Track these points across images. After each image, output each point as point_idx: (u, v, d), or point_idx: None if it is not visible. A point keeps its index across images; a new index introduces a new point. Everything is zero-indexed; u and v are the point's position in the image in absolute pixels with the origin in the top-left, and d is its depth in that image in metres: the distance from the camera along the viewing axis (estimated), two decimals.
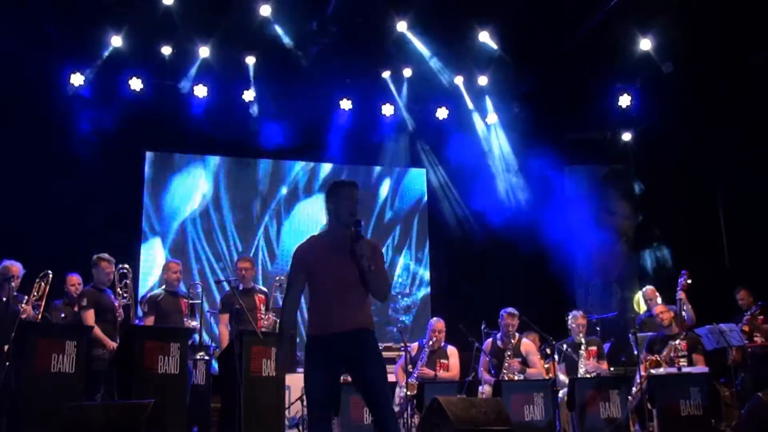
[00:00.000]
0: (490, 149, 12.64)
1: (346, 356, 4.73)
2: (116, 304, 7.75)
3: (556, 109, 12.18)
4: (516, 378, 8.32)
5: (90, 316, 7.48)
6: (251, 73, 11.36)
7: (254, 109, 11.56)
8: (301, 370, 9.29)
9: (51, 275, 7.53)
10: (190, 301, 8.17)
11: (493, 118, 12.51)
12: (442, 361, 8.63)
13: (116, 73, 10.90)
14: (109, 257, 7.77)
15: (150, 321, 7.80)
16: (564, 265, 12.18)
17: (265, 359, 7.15)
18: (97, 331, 7.38)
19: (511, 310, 8.64)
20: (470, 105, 12.43)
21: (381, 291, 4.89)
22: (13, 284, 7.19)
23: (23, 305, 7.29)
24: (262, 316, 8.10)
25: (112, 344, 7.38)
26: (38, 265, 7.72)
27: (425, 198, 12.99)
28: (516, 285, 11.88)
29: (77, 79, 10.72)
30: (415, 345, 8.93)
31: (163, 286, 8.20)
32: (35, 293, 7.40)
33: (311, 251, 4.89)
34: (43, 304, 7.40)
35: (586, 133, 12.81)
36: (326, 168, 12.62)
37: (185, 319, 8.02)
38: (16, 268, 7.34)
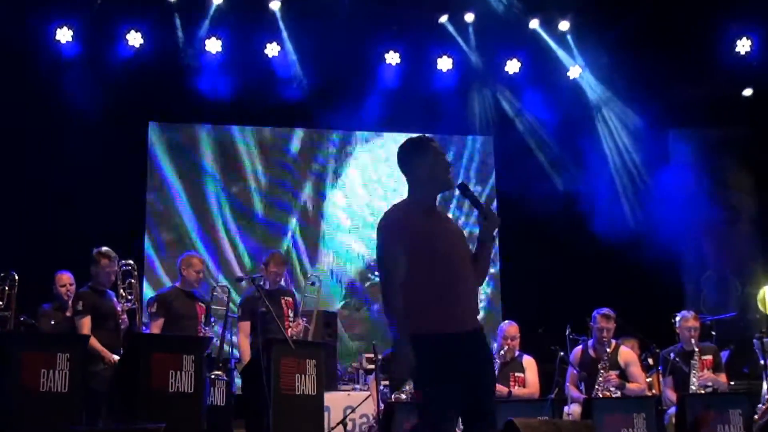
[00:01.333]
0: (574, 110, 12.50)
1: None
2: (119, 309, 7.79)
3: (657, 59, 11.98)
4: (612, 395, 8.23)
5: (86, 324, 7.52)
6: (277, 23, 11.37)
7: (280, 67, 11.56)
8: (344, 386, 9.37)
9: (16, 277, 7.49)
10: (211, 305, 8.17)
11: (577, 70, 12.37)
12: (517, 374, 8.58)
13: (111, 26, 10.97)
14: (111, 252, 7.79)
15: (158, 325, 7.81)
16: (669, 255, 11.99)
17: (299, 374, 7.20)
18: (95, 341, 7.43)
19: (606, 311, 8.55)
20: (551, 54, 12.30)
21: (486, 271, 4.80)
22: None
23: None
24: (291, 323, 8.13)
25: (113, 357, 7.43)
26: (21, 262, 7.78)
27: (493, 173, 12.91)
28: (609, 280, 11.75)
29: (64, 35, 10.81)
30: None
31: (177, 284, 8.21)
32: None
33: (415, 220, 4.63)
34: (12, 313, 7.38)
35: (696, 89, 12.59)
36: (369, 137, 12.62)
37: (201, 327, 8.05)
38: None
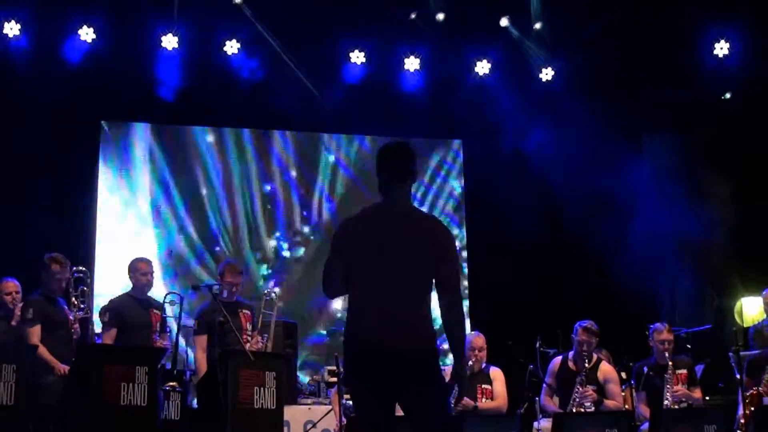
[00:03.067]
0: (545, 113, 12.58)
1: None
2: (71, 318, 7.75)
3: (632, 61, 12.12)
4: (587, 411, 8.30)
5: (35, 333, 7.49)
6: (240, 17, 11.37)
7: (238, 66, 11.60)
8: (304, 400, 9.41)
9: None
10: (163, 315, 8.17)
11: (549, 72, 12.47)
12: (484, 386, 8.61)
13: (62, 19, 10.94)
14: (62, 258, 7.78)
15: (111, 335, 7.80)
16: (643, 264, 12.12)
17: (258, 386, 7.20)
18: (43, 350, 7.40)
19: (587, 323, 8.58)
20: (523, 55, 12.41)
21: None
22: None
23: None
24: (249, 338, 8.12)
25: (63, 368, 7.40)
26: None
27: (462, 178, 12.99)
28: (581, 290, 11.85)
29: (12, 28, 10.77)
30: (448, 369, 8.91)
31: (129, 292, 8.20)
32: None
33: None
34: None
35: (671, 91, 12.74)
36: (329, 141, 12.71)
37: (155, 336, 8.04)
38: None
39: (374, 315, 4.71)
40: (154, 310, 8.13)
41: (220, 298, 7.92)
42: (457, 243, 12.53)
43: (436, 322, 4.89)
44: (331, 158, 12.70)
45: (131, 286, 8.20)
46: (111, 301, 8.22)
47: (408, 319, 4.75)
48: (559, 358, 8.79)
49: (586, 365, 8.48)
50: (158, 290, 9.16)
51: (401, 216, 4.93)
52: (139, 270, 8.16)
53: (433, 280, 4.84)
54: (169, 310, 8.66)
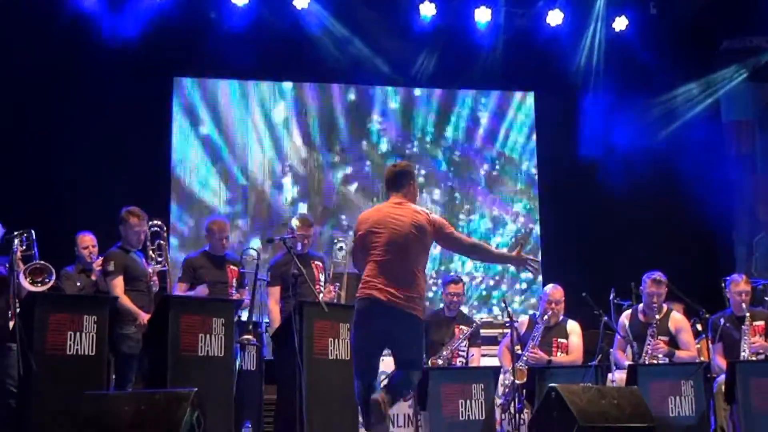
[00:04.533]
0: (620, 64, 12.42)
1: None
2: (149, 271, 7.85)
3: (709, 9, 11.88)
4: (660, 362, 8.25)
5: (119, 285, 7.58)
6: None
7: (307, 20, 11.62)
8: None
9: (32, 234, 7.45)
10: (241, 270, 8.22)
11: (622, 22, 12.28)
12: (560, 340, 8.61)
13: None
14: (140, 211, 7.82)
15: (181, 290, 7.92)
16: (719, 216, 11.98)
17: (332, 338, 7.26)
18: (126, 300, 7.49)
19: (656, 275, 8.52)
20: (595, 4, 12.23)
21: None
22: None
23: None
24: (322, 289, 8.15)
25: (145, 316, 7.50)
26: (39, 222, 7.82)
27: (534, 131, 12.89)
28: (655, 243, 11.75)
29: None
30: (525, 319, 8.93)
31: (206, 249, 8.29)
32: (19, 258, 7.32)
33: None
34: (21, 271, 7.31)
35: (750, 40, 12.49)
36: (403, 93, 12.66)
37: (232, 292, 8.13)
38: None
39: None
40: (231, 266, 8.19)
41: (293, 249, 7.93)
42: (531, 198, 12.62)
43: None
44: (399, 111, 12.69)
45: (209, 244, 8.28)
46: (186, 258, 8.35)
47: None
48: (629, 311, 8.75)
49: (657, 316, 8.43)
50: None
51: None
52: (217, 231, 8.22)
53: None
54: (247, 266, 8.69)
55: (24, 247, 7.28)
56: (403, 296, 5.98)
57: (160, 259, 7.97)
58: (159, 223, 8.11)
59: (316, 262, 8.30)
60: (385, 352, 6.32)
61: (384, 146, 12.55)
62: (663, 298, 8.54)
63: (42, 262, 7.21)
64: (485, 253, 6.58)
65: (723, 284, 8.90)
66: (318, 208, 12.13)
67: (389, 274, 6.01)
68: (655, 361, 8.25)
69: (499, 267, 12.22)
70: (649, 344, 8.35)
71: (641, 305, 8.63)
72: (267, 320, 8.39)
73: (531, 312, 9.20)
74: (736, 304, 8.67)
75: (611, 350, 8.66)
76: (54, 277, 7.17)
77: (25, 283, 7.09)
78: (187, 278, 8.02)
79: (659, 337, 8.38)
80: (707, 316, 8.43)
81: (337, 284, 8.32)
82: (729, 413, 7.94)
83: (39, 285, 7.09)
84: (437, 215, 6.40)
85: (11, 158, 10.42)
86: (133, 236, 7.76)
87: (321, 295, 7.90)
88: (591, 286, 8.89)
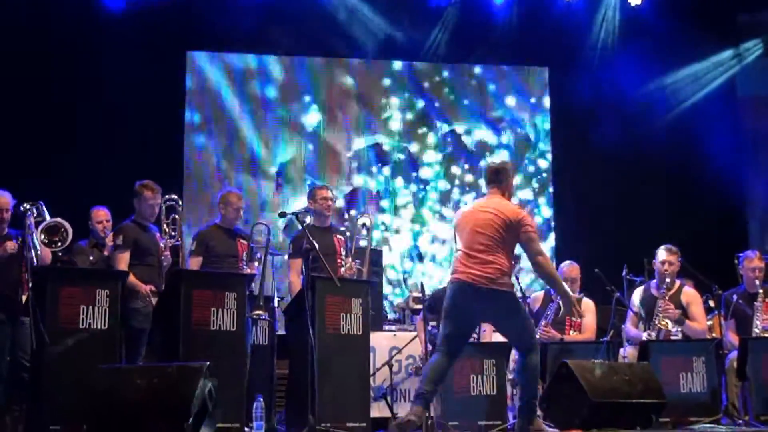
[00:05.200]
0: (636, 38, 12.34)
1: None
2: (161, 245, 7.84)
3: None
4: (671, 328, 8.24)
5: (123, 259, 7.55)
6: None
7: None
8: (388, 327, 9.48)
9: (42, 206, 7.38)
10: (251, 244, 8.19)
11: None
12: (573, 318, 8.60)
13: None
14: (154, 185, 7.75)
15: (195, 263, 7.88)
16: (732, 192, 11.95)
17: (345, 313, 7.26)
18: (131, 277, 7.52)
19: (669, 246, 8.51)
20: None
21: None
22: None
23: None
24: (342, 263, 8.11)
25: (145, 288, 7.51)
26: (52, 196, 7.83)
27: (547, 106, 12.86)
28: (668, 219, 11.73)
29: None
30: (540, 294, 8.92)
31: (217, 221, 8.26)
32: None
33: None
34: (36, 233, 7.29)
35: (765, 13, 12.40)
36: (420, 68, 12.68)
37: (243, 265, 8.11)
38: (5, 199, 7.36)
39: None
40: (241, 240, 8.13)
41: (312, 224, 7.89)
42: (545, 172, 12.61)
43: None
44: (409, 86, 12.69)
45: (220, 216, 8.22)
46: (198, 231, 8.30)
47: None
48: (642, 287, 8.74)
49: (669, 291, 8.43)
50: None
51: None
52: (231, 204, 8.14)
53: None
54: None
55: (36, 216, 7.29)
56: (485, 275, 6.50)
57: (173, 234, 7.92)
58: (174, 197, 8.04)
59: (338, 236, 8.26)
60: None
61: (396, 124, 12.53)
62: (676, 269, 8.52)
63: (57, 219, 7.23)
64: (547, 276, 6.83)
65: (736, 261, 8.85)
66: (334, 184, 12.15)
67: (471, 257, 6.59)
68: (665, 324, 8.25)
69: None
70: (659, 307, 8.35)
71: (654, 281, 8.61)
72: (279, 296, 8.37)
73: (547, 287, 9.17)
74: (749, 280, 8.65)
75: (623, 326, 8.67)
76: (71, 234, 7.18)
77: (42, 247, 7.13)
78: (199, 251, 7.99)
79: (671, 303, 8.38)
80: (720, 292, 8.42)
81: (358, 260, 8.29)
82: (740, 389, 7.94)
83: (57, 245, 7.11)
84: (531, 218, 6.93)
85: (23, 132, 10.44)
86: (147, 209, 7.72)
87: (343, 269, 7.90)
88: (603, 262, 8.90)
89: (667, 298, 8.37)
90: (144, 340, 7.44)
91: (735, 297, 8.59)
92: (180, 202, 8.07)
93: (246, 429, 6.80)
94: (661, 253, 8.50)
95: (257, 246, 8.21)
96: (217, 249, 7.98)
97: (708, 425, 7.41)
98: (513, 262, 6.76)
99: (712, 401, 7.68)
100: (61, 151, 10.63)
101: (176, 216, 7.97)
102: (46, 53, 10.64)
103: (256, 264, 8.22)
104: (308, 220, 7.91)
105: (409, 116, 12.58)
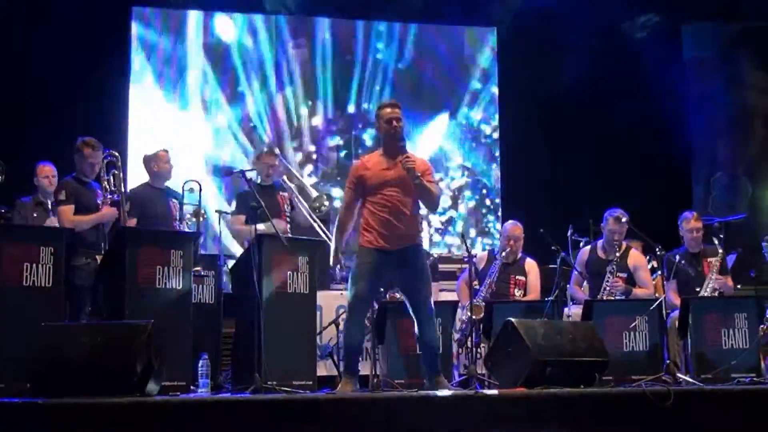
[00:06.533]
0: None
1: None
2: (99, 201, 7.74)
3: None
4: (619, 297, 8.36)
5: (68, 212, 7.47)
6: None
7: None
8: (335, 286, 9.49)
9: None
10: (180, 202, 8.11)
11: None
12: (517, 277, 8.70)
13: None
14: (95, 141, 7.69)
15: (132, 223, 7.81)
16: (676, 154, 12.07)
17: (292, 271, 7.26)
18: (79, 218, 7.43)
19: (618, 212, 8.59)
20: None
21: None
22: None
23: None
24: (288, 220, 8.16)
25: (107, 212, 7.50)
26: None
27: (495, 67, 12.87)
28: (614, 180, 11.82)
29: None
30: (484, 254, 8.99)
31: (148, 181, 8.22)
32: None
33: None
34: None
35: None
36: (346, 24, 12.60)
37: (176, 225, 8.07)
38: None
39: None
40: (173, 200, 8.13)
41: (255, 182, 7.89)
42: (492, 131, 12.64)
43: None
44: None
45: (151, 175, 8.19)
46: (131, 190, 8.18)
47: None
48: (588, 247, 8.84)
49: (617, 254, 8.51)
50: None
51: None
52: (161, 159, 8.14)
53: None
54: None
55: None
56: None
57: (113, 189, 7.80)
58: (115, 153, 7.93)
59: (282, 193, 8.29)
60: None
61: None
62: (623, 236, 8.63)
63: None
64: None
65: (678, 221, 8.98)
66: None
67: None
68: (611, 298, 8.37)
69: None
70: (607, 281, 8.45)
71: (600, 242, 8.71)
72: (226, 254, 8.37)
73: (489, 248, 9.25)
74: (689, 241, 8.80)
75: (568, 285, 8.76)
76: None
77: None
78: (135, 212, 7.92)
79: (618, 275, 8.48)
80: (663, 253, 8.53)
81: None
82: (681, 347, 8.07)
83: None
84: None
85: None
86: (87, 166, 7.64)
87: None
88: (550, 222, 8.97)
89: (614, 268, 8.45)
90: (87, 298, 7.37)
91: (678, 257, 8.71)
92: (119, 158, 7.91)
93: (192, 387, 6.79)
94: (610, 222, 8.59)
95: (189, 204, 8.14)
96: (151, 208, 7.97)
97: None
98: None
99: (653, 359, 7.77)
100: (6, 106, 10.44)
101: (116, 171, 7.84)
102: None
103: (184, 223, 8.16)
104: (253, 177, 7.91)
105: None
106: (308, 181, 10.51)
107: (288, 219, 8.12)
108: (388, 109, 6.75)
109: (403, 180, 6.62)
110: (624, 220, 8.55)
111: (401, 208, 6.64)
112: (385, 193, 6.64)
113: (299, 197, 8.43)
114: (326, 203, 8.42)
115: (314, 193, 8.67)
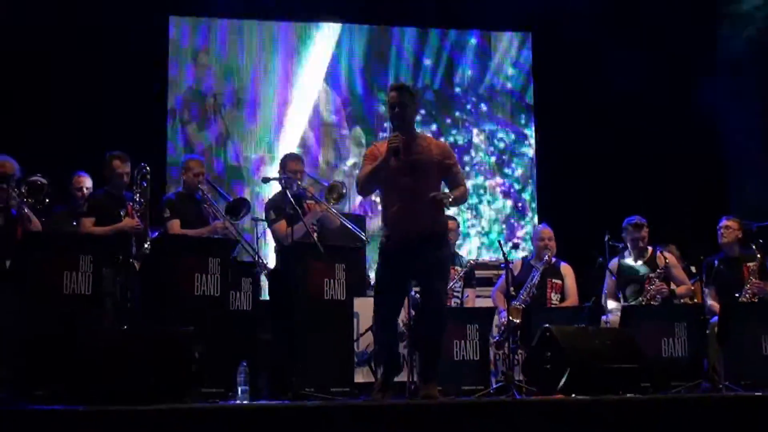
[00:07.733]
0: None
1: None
2: (123, 213, 7.76)
3: None
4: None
5: (87, 224, 7.63)
6: None
7: None
8: (371, 293, 9.44)
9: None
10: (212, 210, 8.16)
11: None
12: (554, 281, 8.64)
13: None
14: (122, 154, 7.83)
15: (176, 225, 7.91)
16: (711, 156, 11.95)
17: (328, 279, 7.26)
18: (99, 229, 7.57)
19: (635, 219, 8.60)
20: None
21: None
22: (6, 186, 7.22)
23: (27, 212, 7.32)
24: (316, 229, 8.13)
25: (132, 222, 7.61)
26: (38, 165, 7.80)
27: (530, 74, 12.82)
28: (647, 184, 11.72)
29: None
30: (518, 262, 8.95)
31: (180, 190, 8.34)
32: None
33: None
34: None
35: None
36: (399, 34, 12.60)
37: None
38: (10, 164, 7.37)
39: None
40: (205, 205, 8.21)
41: (290, 188, 7.87)
42: (528, 138, 12.60)
43: None
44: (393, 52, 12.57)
45: (182, 184, 8.32)
46: (165, 198, 8.29)
47: None
48: (616, 258, 8.78)
49: (645, 257, 8.54)
50: None
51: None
52: (191, 169, 8.22)
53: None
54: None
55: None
56: None
57: (142, 201, 7.84)
58: (144, 165, 7.98)
59: (309, 202, 8.27)
60: None
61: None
62: (646, 240, 8.62)
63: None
64: None
65: (717, 227, 8.90)
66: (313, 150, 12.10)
67: None
68: (651, 303, 8.31)
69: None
70: (651, 286, 8.39)
71: (627, 252, 8.73)
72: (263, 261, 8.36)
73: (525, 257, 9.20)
74: (728, 245, 8.71)
75: (603, 293, 8.71)
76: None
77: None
78: (175, 216, 7.99)
79: (660, 282, 8.43)
80: (701, 258, 8.46)
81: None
82: (721, 354, 7.99)
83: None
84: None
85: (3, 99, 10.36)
86: (116, 178, 7.80)
87: (315, 235, 7.90)
88: (587, 228, 8.92)
89: (654, 277, 8.40)
90: (112, 304, 7.36)
91: (716, 262, 8.64)
92: (147, 168, 7.96)
93: (230, 394, 6.80)
94: (630, 230, 8.65)
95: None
96: (186, 215, 8.04)
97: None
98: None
99: (692, 366, 7.72)
100: (43, 118, 10.51)
101: (144, 183, 7.90)
102: (24, 20, 10.51)
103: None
104: (295, 187, 7.91)
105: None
106: None
107: (315, 228, 8.02)
108: (392, 93, 6.49)
109: (414, 166, 6.34)
110: (642, 224, 8.57)
111: (414, 195, 6.29)
112: (398, 180, 6.34)
113: (319, 201, 8.32)
114: (343, 190, 8.31)
115: (329, 183, 8.55)
